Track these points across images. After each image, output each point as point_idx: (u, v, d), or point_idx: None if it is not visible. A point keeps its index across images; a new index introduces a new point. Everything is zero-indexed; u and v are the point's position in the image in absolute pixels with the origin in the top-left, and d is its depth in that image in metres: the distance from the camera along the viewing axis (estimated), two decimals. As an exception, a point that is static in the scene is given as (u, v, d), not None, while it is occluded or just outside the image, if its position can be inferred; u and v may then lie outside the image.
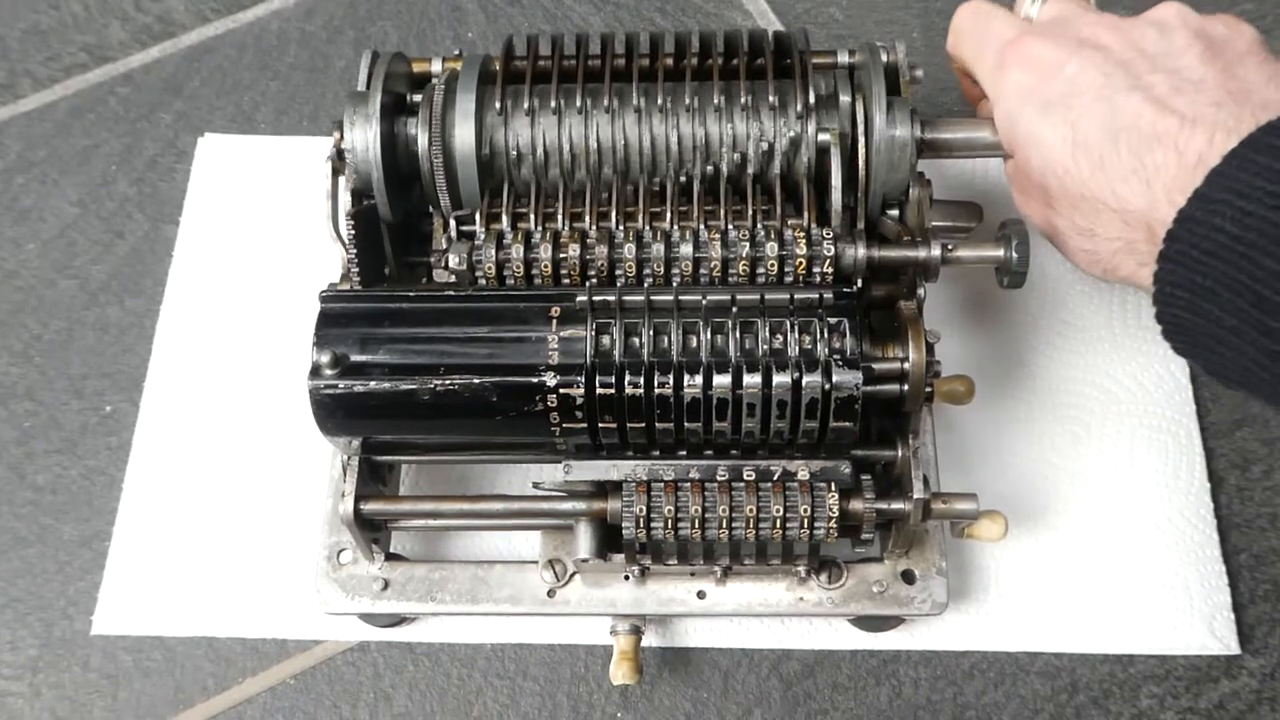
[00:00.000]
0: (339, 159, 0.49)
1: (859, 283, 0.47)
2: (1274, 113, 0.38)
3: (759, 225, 0.47)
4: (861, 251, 0.46)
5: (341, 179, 0.49)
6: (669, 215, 0.48)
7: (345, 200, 0.49)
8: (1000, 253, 0.47)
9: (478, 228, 0.48)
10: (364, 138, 0.48)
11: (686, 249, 0.46)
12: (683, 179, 0.49)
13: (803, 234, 0.46)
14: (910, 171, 0.48)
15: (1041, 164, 0.44)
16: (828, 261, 0.46)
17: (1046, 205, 0.45)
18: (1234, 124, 0.38)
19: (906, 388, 0.45)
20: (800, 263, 0.46)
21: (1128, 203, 0.41)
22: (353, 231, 0.47)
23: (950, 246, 0.47)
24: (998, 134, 0.48)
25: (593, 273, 0.47)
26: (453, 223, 0.49)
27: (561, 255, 0.47)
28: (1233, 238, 0.36)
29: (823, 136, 0.48)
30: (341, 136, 0.49)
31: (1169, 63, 0.42)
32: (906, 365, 0.45)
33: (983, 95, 0.51)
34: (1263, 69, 0.41)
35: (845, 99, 0.49)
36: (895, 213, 0.49)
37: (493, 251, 0.47)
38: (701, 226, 0.47)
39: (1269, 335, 0.36)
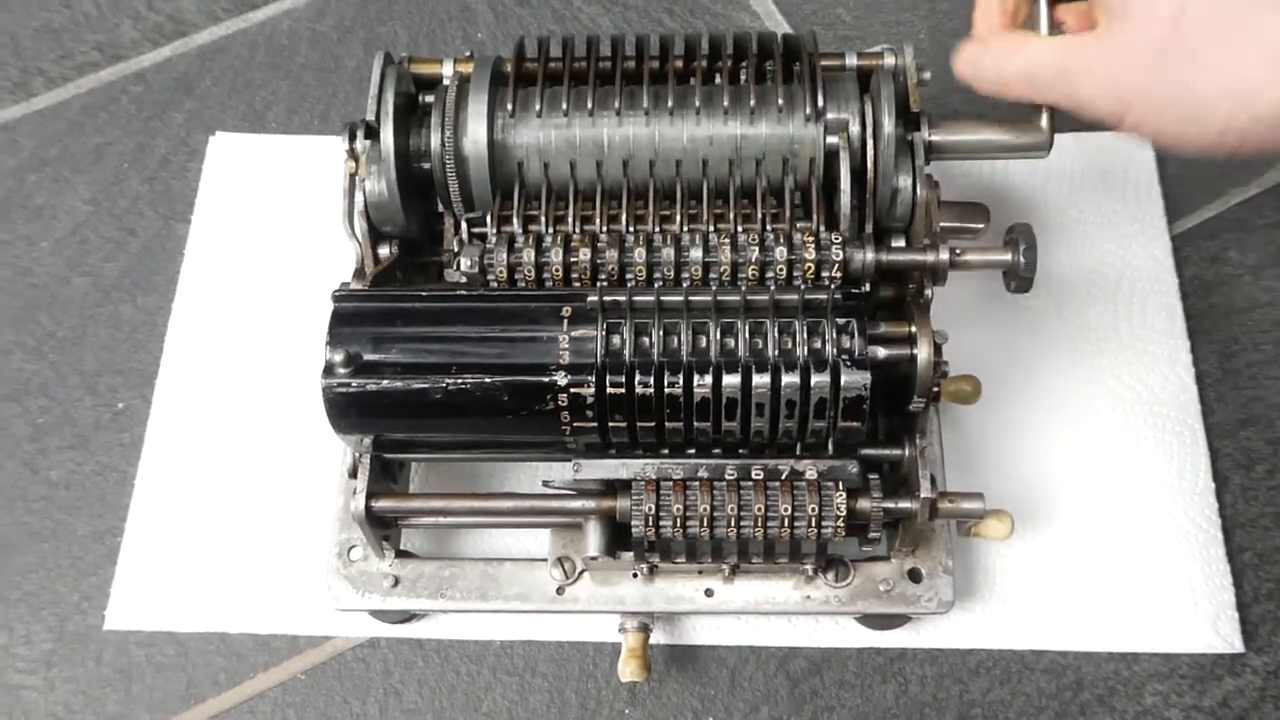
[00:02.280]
0: (353, 157, 0.49)
1: (867, 285, 0.47)
2: None
3: (768, 229, 0.47)
4: (870, 256, 0.47)
5: (357, 178, 0.50)
6: (679, 218, 0.48)
7: (359, 198, 0.49)
8: (1008, 257, 0.47)
9: (489, 230, 0.49)
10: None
11: (696, 254, 0.47)
12: (693, 181, 0.50)
13: (811, 238, 0.47)
14: (911, 208, 0.48)
15: None
16: (836, 266, 0.46)
17: (1169, 51, 0.39)
18: None
19: (918, 360, 0.45)
20: (809, 267, 0.46)
21: None
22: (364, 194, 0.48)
23: (959, 251, 0.47)
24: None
25: (603, 276, 0.47)
26: (464, 225, 0.49)
27: (573, 260, 0.47)
28: None
29: (831, 140, 0.49)
30: (354, 141, 0.49)
31: None
32: (915, 350, 0.46)
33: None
34: None
35: (854, 102, 0.50)
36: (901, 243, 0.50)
37: (504, 255, 0.47)
38: (711, 230, 0.48)
39: None
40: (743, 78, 0.51)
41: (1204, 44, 0.39)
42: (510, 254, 0.48)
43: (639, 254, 0.47)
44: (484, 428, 0.47)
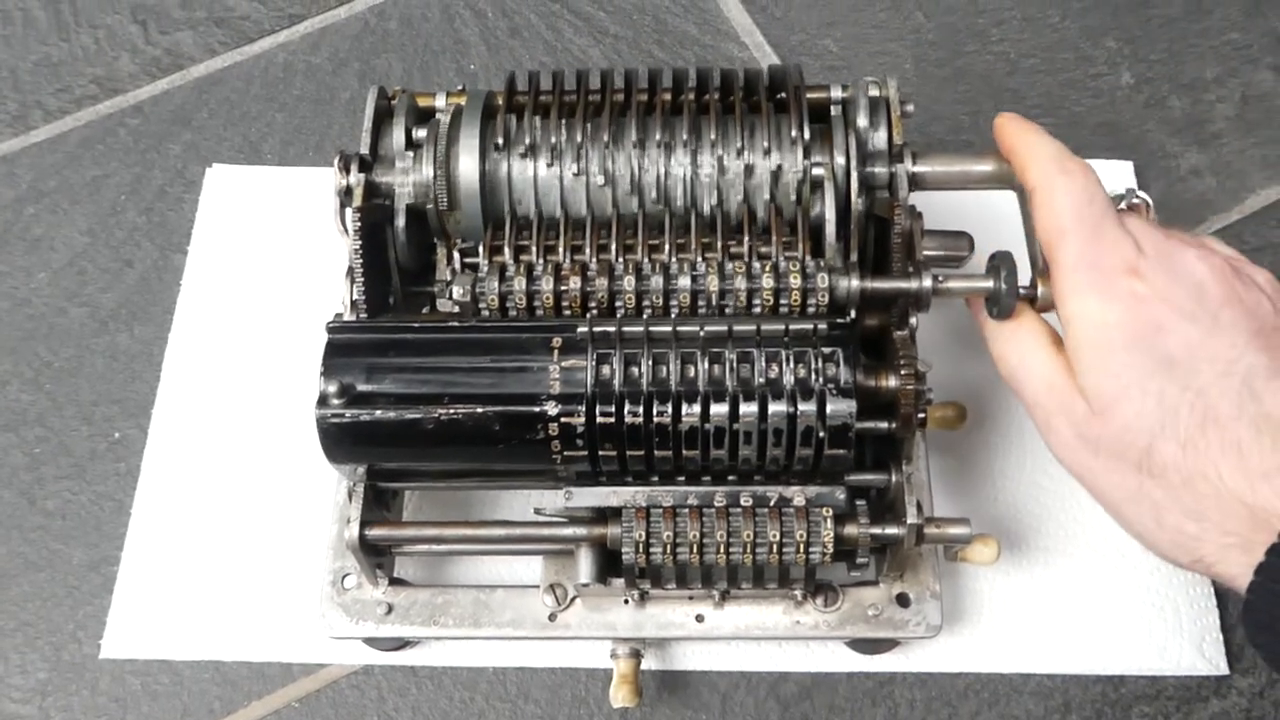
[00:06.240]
0: (345, 189, 0.50)
1: (852, 313, 0.48)
2: None
3: (755, 258, 0.48)
4: (855, 283, 0.47)
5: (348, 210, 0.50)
6: (667, 248, 0.49)
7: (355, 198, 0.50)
8: (990, 284, 0.48)
9: (481, 259, 0.49)
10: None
11: (684, 282, 0.48)
12: (681, 212, 0.51)
13: (797, 266, 0.47)
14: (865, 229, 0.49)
15: (1154, 424, 0.38)
16: (822, 293, 0.47)
17: (1142, 470, 0.39)
18: None
19: (895, 425, 0.46)
20: (795, 295, 0.47)
21: (1268, 501, 0.35)
22: (358, 224, 0.48)
23: (941, 278, 0.48)
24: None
25: (593, 304, 0.48)
26: (456, 255, 0.50)
27: (563, 288, 0.48)
28: None
29: (817, 171, 0.49)
30: (346, 170, 0.50)
31: None
32: (896, 384, 0.46)
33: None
34: None
35: (839, 132, 0.50)
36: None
37: (496, 284, 0.48)
38: (699, 259, 0.48)
39: None
40: (730, 109, 0.52)
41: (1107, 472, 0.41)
42: (502, 283, 0.48)
43: (628, 282, 0.48)
44: (476, 457, 0.48)
